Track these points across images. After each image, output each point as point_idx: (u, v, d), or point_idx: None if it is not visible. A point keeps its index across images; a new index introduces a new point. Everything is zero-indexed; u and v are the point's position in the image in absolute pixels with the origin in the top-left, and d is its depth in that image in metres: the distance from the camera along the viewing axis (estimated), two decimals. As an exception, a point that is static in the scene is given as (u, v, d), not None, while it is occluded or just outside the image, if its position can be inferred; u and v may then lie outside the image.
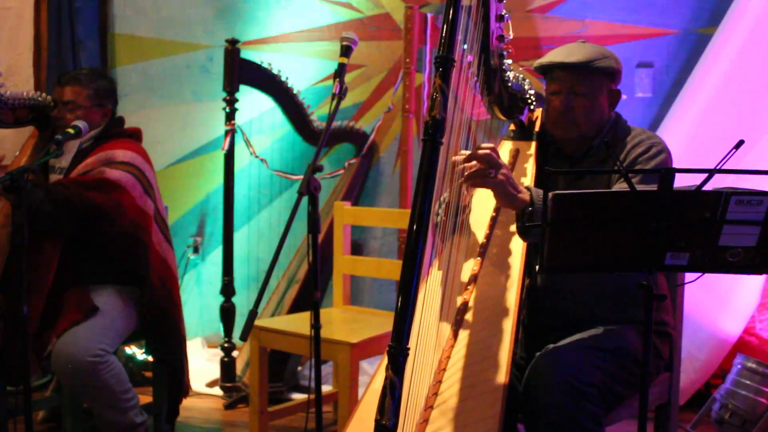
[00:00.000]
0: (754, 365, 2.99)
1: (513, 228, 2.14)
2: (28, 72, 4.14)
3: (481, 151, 1.90)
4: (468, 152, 1.99)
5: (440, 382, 1.88)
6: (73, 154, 2.74)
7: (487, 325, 1.97)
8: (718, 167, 1.60)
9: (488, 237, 2.16)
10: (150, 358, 3.11)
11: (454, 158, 1.97)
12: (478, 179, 1.91)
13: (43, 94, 2.83)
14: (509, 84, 2.25)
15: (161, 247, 2.76)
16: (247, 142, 3.83)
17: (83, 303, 2.55)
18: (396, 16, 4.04)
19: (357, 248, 3.99)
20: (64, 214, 2.50)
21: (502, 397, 1.79)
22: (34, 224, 2.39)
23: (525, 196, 1.92)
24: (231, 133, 3.68)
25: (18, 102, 2.76)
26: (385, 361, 1.60)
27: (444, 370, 1.90)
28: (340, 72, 2.10)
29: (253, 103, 3.95)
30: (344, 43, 2.14)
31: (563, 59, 2.14)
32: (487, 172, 1.89)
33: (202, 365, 3.95)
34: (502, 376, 1.83)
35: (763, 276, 3.17)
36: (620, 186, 2.08)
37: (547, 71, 2.19)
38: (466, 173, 1.93)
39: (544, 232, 1.62)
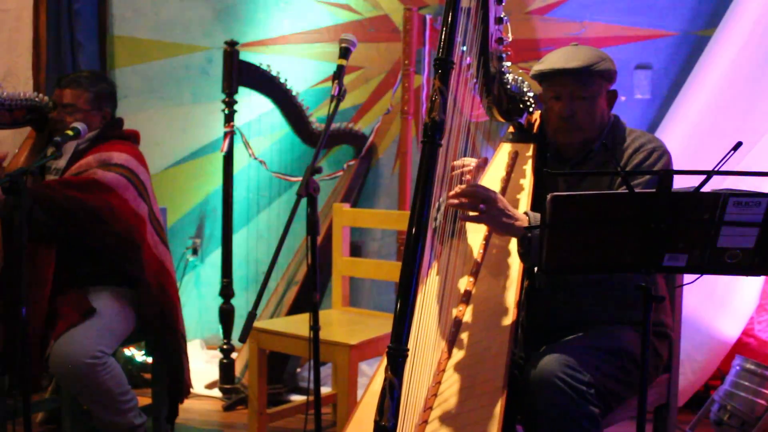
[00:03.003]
0: (752, 367, 2.99)
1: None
2: (27, 74, 4.14)
3: (468, 187, 1.92)
4: (470, 159, 1.99)
5: (439, 383, 1.88)
6: (70, 155, 2.74)
7: (486, 326, 1.97)
8: (716, 169, 1.60)
9: (487, 239, 2.17)
10: (149, 360, 3.11)
11: (453, 163, 1.97)
12: (469, 216, 1.92)
13: (41, 95, 2.83)
14: (508, 86, 2.25)
15: (158, 249, 2.75)
16: (246, 144, 3.83)
17: (81, 305, 2.55)
18: (395, 17, 4.05)
19: (356, 250, 3.99)
20: (56, 219, 2.49)
21: (501, 398, 1.79)
22: (29, 233, 2.37)
23: (522, 222, 1.93)
24: (230, 134, 3.68)
25: (15, 103, 2.75)
26: (384, 362, 1.60)
27: (443, 371, 1.90)
28: (338, 74, 2.11)
29: (252, 104, 3.96)
30: (343, 44, 2.14)
31: (564, 65, 2.13)
32: (478, 208, 1.90)
33: (201, 367, 3.95)
34: (500, 377, 1.84)
35: (762, 277, 3.17)
36: (622, 189, 2.08)
37: (546, 77, 2.18)
38: (455, 205, 1.93)
39: (543, 234, 1.63)
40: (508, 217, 1.92)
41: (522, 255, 1.97)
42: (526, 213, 1.96)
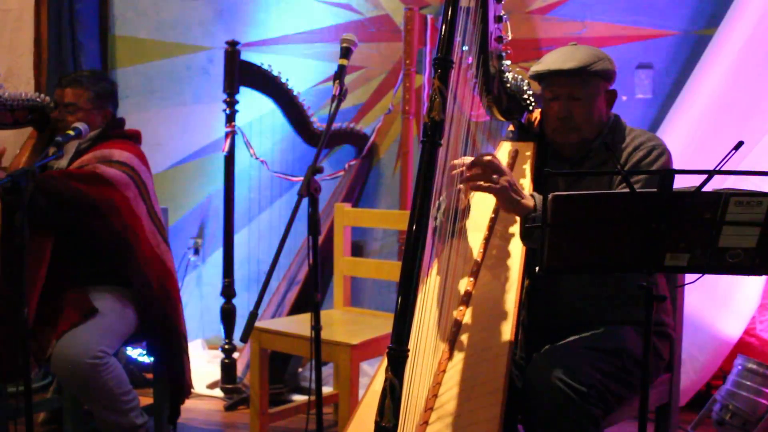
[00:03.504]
0: (754, 366, 2.99)
1: (512, 229, 2.15)
2: (28, 74, 4.15)
3: (485, 158, 1.91)
4: (469, 158, 1.99)
5: (440, 383, 1.88)
6: (71, 155, 2.74)
7: (487, 326, 1.97)
8: (717, 168, 1.60)
9: (487, 239, 2.17)
10: (150, 359, 3.11)
11: (453, 162, 1.97)
12: (481, 184, 1.91)
13: (42, 95, 2.83)
14: (508, 85, 2.25)
15: (159, 249, 2.75)
16: (248, 144, 3.83)
17: (82, 305, 2.55)
18: (396, 17, 4.05)
19: (357, 250, 3.99)
20: (57, 207, 2.48)
21: (501, 399, 1.79)
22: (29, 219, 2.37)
23: (529, 201, 1.93)
24: (231, 134, 3.68)
25: (17, 103, 2.75)
26: (385, 362, 1.60)
27: (444, 371, 1.90)
28: (340, 74, 2.10)
29: (254, 104, 3.96)
30: (344, 44, 2.14)
31: (560, 66, 2.12)
32: (491, 177, 1.90)
33: (203, 367, 3.95)
34: (501, 378, 1.83)
35: (764, 277, 3.16)
36: (622, 188, 2.08)
37: (543, 78, 2.18)
38: (468, 177, 1.93)
39: (543, 233, 1.62)
40: (516, 193, 1.92)
41: (523, 235, 1.96)
42: (531, 195, 1.96)
